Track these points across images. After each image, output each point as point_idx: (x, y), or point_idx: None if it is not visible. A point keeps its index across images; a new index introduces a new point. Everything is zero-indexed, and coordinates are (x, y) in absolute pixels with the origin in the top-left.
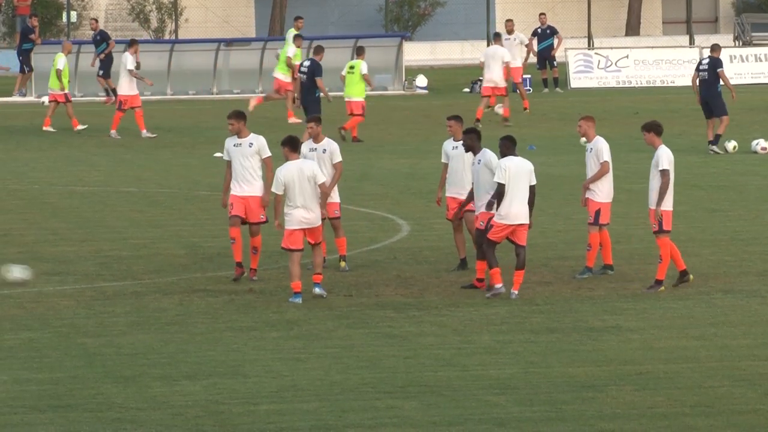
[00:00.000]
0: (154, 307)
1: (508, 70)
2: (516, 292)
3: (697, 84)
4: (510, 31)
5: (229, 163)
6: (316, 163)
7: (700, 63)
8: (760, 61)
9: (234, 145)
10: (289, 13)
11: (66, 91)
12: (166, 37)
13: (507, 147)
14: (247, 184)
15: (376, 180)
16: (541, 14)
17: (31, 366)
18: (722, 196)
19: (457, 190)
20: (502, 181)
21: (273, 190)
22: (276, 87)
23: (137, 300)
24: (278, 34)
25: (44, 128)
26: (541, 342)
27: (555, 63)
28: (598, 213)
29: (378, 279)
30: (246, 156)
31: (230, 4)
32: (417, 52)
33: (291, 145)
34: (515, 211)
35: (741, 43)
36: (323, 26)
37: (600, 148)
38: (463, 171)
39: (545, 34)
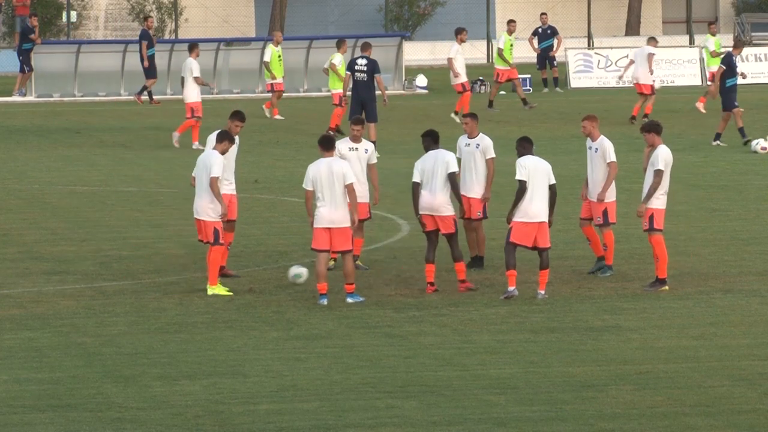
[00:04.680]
0: (154, 307)
1: None
2: (542, 292)
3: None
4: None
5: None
6: (347, 163)
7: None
8: (760, 60)
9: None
10: (288, 12)
11: (278, 80)
12: (166, 36)
13: (524, 147)
14: (231, 183)
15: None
16: (543, 14)
17: (30, 366)
18: (722, 196)
19: (466, 187)
20: (524, 179)
21: (303, 185)
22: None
23: (137, 300)
24: None
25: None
26: (541, 342)
27: (555, 63)
28: (605, 213)
29: (378, 279)
30: (234, 154)
31: (230, 3)
32: (417, 52)
33: (323, 144)
34: (535, 209)
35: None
36: (323, 26)
37: (606, 148)
38: (473, 169)
39: (546, 34)
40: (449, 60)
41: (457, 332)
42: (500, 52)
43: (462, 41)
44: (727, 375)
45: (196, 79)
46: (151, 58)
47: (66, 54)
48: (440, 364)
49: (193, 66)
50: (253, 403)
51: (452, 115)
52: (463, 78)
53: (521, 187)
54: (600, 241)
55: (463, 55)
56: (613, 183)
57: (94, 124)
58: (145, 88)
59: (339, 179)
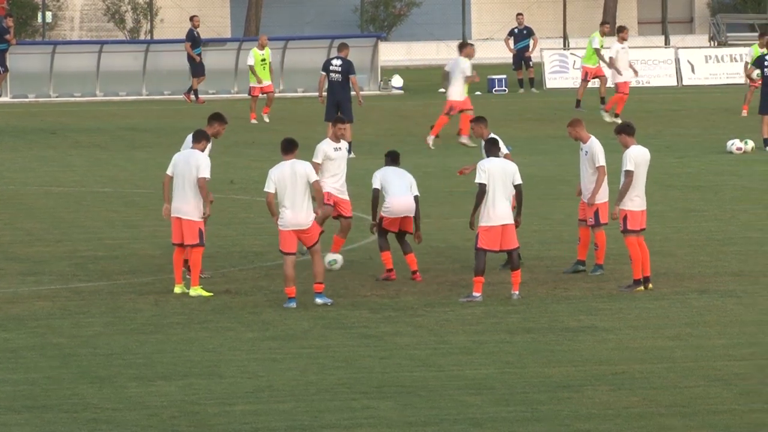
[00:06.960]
0: (130, 308)
1: None
2: (516, 292)
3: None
4: None
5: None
6: (309, 164)
7: (764, 59)
8: (735, 61)
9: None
10: (264, 13)
11: (264, 83)
12: (142, 37)
13: (489, 149)
14: None
15: (352, 180)
16: (519, 15)
17: (6, 366)
18: (698, 197)
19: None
20: (483, 182)
21: (265, 189)
22: (583, 76)
23: (113, 300)
24: (253, 34)
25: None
26: (517, 342)
27: (531, 63)
28: (597, 213)
29: (354, 279)
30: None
31: (205, 4)
32: (392, 53)
33: (284, 147)
34: (498, 212)
35: (716, 44)
36: (299, 26)
37: (596, 152)
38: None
39: (522, 35)
40: (610, 59)
41: (433, 333)
42: (597, 51)
43: (624, 39)
44: (702, 375)
45: (467, 78)
46: (198, 56)
47: (41, 54)
48: (416, 365)
49: (465, 66)
50: (228, 404)
51: (607, 117)
52: (626, 77)
53: (480, 190)
54: (588, 246)
55: (627, 53)
56: (606, 184)
57: (69, 125)
58: (192, 86)
59: (302, 179)
